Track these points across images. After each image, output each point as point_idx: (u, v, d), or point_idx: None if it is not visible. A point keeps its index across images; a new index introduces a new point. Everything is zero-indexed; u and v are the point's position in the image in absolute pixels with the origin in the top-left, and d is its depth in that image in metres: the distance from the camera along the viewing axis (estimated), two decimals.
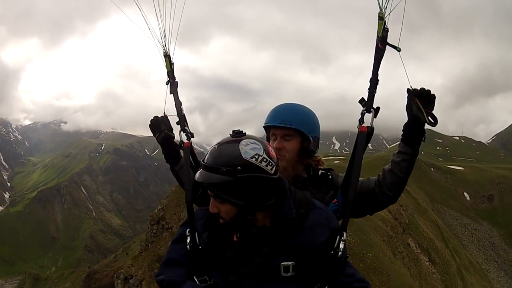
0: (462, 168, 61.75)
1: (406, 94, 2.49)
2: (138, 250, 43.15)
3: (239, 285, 1.99)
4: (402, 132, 2.53)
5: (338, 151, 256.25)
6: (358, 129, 2.38)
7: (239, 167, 1.89)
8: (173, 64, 2.82)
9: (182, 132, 2.75)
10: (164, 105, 2.81)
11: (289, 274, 1.97)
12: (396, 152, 2.59)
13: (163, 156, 2.89)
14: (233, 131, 2.03)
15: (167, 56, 2.80)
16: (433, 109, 2.43)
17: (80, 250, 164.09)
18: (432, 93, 2.42)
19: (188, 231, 2.15)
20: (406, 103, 2.47)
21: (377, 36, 2.37)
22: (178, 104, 2.77)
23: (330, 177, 2.70)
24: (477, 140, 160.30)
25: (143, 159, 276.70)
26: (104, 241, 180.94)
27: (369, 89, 2.40)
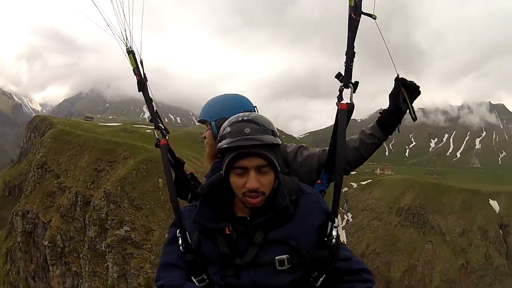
0: None
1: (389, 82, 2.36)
2: (29, 190, 49.72)
3: (238, 279, 1.91)
4: (380, 117, 2.48)
5: (147, 120, 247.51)
6: (337, 107, 2.23)
7: (276, 132, 1.90)
8: (141, 60, 2.61)
9: (157, 129, 2.60)
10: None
11: (284, 267, 1.88)
12: (367, 133, 2.54)
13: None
14: (245, 110, 2.11)
15: (130, 53, 2.58)
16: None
17: None
18: (419, 89, 2.39)
19: (178, 232, 2.08)
20: (391, 91, 2.38)
21: (349, 6, 2.27)
22: (149, 101, 2.62)
23: None
24: (289, 133, 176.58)
25: None
26: None
27: (345, 62, 2.26)
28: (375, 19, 2.26)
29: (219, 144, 1.87)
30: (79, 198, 39.45)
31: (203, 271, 2.03)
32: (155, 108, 2.64)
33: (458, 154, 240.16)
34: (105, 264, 30.47)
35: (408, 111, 2.41)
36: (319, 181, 2.48)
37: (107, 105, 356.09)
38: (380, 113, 2.50)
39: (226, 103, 2.63)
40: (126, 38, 2.56)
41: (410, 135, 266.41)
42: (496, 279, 60.59)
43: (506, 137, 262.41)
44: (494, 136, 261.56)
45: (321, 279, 1.97)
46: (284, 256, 1.89)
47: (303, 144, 2.72)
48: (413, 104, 2.40)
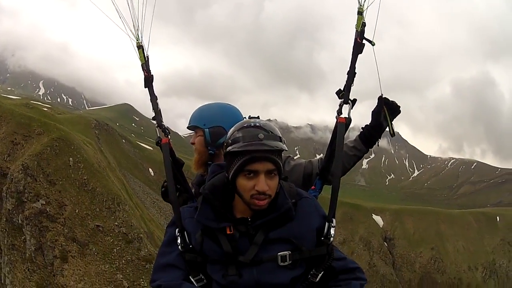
0: (151, 148, 65.28)
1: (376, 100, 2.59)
2: None
3: (239, 278, 1.93)
4: (362, 131, 2.70)
5: (42, 97, 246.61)
6: (336, 120, 2.42)
7: (283, 138, 1.97)
8: (148, 56, 2.63)
9: (158, 128, 2.59)
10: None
11: (286, 263, 1.93)
12: (350, 145, 2.70)
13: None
14: (251, 116, 2.10)
15: (140, 48, 2.61)
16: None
17: None
18: (400, 108, 2.62)
19: (178, 231, 2.06)
20: (374, 108, 2.60)
21: (356, 31, 2.43)
22: (153, 98, 2.62)
23: None
24: (175, 131, 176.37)
25: None
26: None
27: (346, 81, 2.45)
28: (373, 45, 2.47)
29: (230, 147, 1.91)
30: None
31: (201, 271, 2.04)
32: (159, 107, 2.63)
33: None
34: (22, 237, 30.60)
35: (387, 127, 2.64)
36: (313, 187, 2.62)
37: (8, 75, 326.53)
38: (362, 128, 2.72)
39: (223, 113, 2.72)
40: (137, 33, 2.58)
41: (296, 148, 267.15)
42: (384, 285, 61.94)
43: (397, 161, 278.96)
44: (383, 159, 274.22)
45: (319, 275, 2.03)
46: (286, 252, 1.95)
47: (290, 155, 2.86)
48: (393, 122, 2.63)
